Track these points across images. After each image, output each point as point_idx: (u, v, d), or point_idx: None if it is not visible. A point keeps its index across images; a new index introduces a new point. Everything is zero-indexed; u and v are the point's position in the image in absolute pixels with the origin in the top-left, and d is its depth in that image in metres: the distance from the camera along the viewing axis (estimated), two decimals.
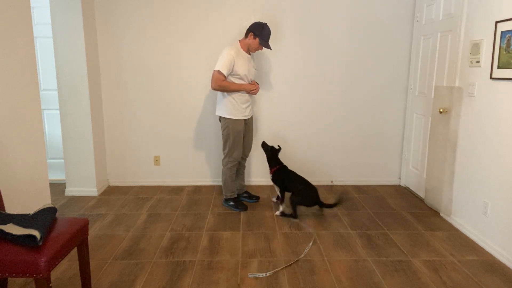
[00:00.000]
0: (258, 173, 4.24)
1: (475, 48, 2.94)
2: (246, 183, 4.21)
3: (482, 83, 2.88)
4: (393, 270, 2.50)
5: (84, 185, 3.87)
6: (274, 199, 3.74)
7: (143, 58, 3.97)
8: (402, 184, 4.28)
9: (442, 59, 3.44)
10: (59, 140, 4.22)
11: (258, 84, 3.48)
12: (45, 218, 1.93)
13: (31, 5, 3.26)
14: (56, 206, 3.50)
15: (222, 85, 3.25)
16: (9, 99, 2.47)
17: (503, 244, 2.64)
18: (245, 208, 3.51)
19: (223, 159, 3.51)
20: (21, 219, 1.91)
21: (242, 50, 3.35)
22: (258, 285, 2.32)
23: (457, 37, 3.19)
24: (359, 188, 4.16)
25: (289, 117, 4.14)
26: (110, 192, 3.99)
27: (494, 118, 2.74)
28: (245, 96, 3.39)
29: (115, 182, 4.22)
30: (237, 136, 3.40)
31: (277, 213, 3.39)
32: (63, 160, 4.01)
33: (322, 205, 3.39)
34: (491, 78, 2.76)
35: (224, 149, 3.48)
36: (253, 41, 3.31)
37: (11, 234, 1.79)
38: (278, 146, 3.60)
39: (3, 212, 2.06)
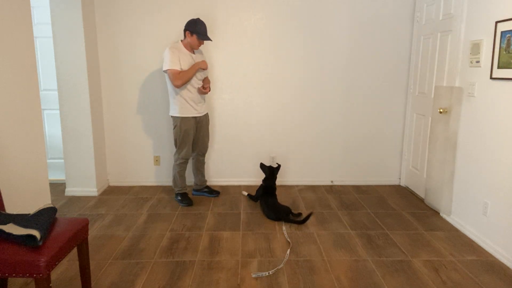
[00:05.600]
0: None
1: (475, 48, 2.94)
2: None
3: (482, 83, 2.88)
4: (393, 270, 2.50)
5: (84, 185, 3.87)
6: (245, 193, 3.91)
7: (143, 58, 3.97)
8: (402, 184, 4.28)
9: (442, 59, 3.44)
10: (59, 140, 4.21)
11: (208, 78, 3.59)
12: (45, 218, 1.93)
13: (31, 5, 3.26)
14: (56, 206, 3.50)
15: (181, 76, 3.29)
16: (9, 99, 2.47)
17: (503, 244, 2.64)
18: (189, 203, 3.62)
19: (174, 155, 3.63)
20: (21, 219, 1.91)
21: (184, 49, 3.41)
22: (259, 285, 2.32)
23: (457, 37, 3.19)
24: (359, 188, 4.16)
25: (289, 117, 4.14)
26: (110, 192, 3.99)
27: (494, 118, 2.74)
28: (194, 94, 3.47)
29: (115, 182, 4.21)
30: (185, 135, 3.50)
31: (244, 193, 3.89)
32: (63, 160, 4.01)
33: (287, 221, 3.28)
34: (491, 78, 2.76)
35: (175, 146, 3.59)
36: (191, 38, 3.39)
37: (11, 234, 1.79)
38: (277, 164, 3.70)
39: (3, 212, 2.06)
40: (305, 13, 3.95)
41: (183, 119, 3.46)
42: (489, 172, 2.79)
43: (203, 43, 3.50)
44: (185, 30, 3.39)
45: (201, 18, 3.89)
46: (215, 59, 4.00)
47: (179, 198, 3.66)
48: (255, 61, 4.02)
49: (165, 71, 3.32)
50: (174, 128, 3.52)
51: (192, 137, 3.57)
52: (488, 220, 2.80)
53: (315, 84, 4.09)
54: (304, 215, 3.35)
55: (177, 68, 3.29)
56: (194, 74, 3.36)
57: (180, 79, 3.29)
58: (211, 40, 3.49)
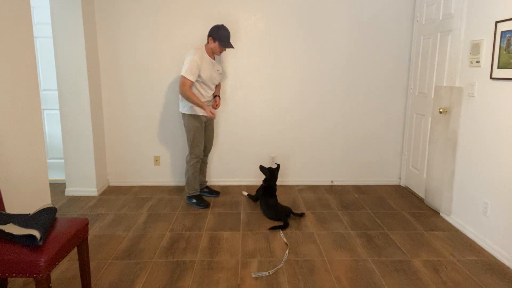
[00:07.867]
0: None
1: (475, 48, 2.94)
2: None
3: (482, 83, 2.88)
4: (393, 270, 2.50)
5: (84, 185, 3.87)
6: (245, 193, 3.92)
7: (143, 58, 3.97)
8: (402, 184, 4.28)
9: (442, 59, 3.44)
10: (59, 140, 4.22)
11: (215, 112, 3.43)
12: (45, 218, 1.93)
13: (31, 5, 3.26)
14: (56, 206, 3.50)
15: (188, 94, 3.28)
16: (9, 99, 2.47)
17: (503, 244, 2.64)
18: (207, 205, 3.58)
19: (186, 156, 3.61)
20: (21, 219, 1.91)
21: (206, 54, 3.39)
22: (259, 285, 2.32)
23: (457, 37, 3.19)
24: (359, 188, 4.16)
25: (289, 117, 4.14)
26: (110, 192, 3.99)
27: (494, 118, 2.74)
28: (204, 96, 3.45)
29: (115, 182, 4.21)
30: (197, 132, 3.50)
31: (244, 193, 3.91)
32: (63, 160, 4.01)
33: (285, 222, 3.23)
34: (491, 78, 2.76)
35: (188, 146, 3.57)
36: (213, 44, 3.37)
37: (11, 234, 1.79)
38: (276, 164, 3.71)
39: (3, 212, 2.06)
40: (305, 13, 3.95)
41: (191, 116, 3.45)
42: (489, 172, 2.79)
43: (225, 50, 3.45)
44: (208, 36, 3.38)
45: (201, 18, 3.90)
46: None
47: (195, 201, 3.60)
48: (255, 61, 4.02)
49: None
50: (186, 127, 3.50)
51: (203, 135, 3.57)
52: (488, 220, 2.80)
53: (315, 84, 4.09)
54: (305, 215, 3.36)
55: (191, 79, 3.26)
56: (196, 104, 3.33)
57: (185, 95, 3.28)
58: (233, 48, 3.46)
